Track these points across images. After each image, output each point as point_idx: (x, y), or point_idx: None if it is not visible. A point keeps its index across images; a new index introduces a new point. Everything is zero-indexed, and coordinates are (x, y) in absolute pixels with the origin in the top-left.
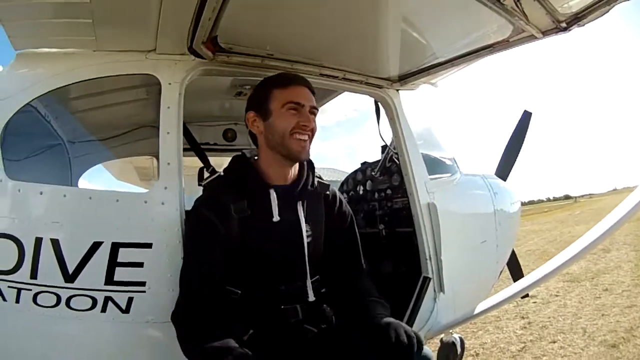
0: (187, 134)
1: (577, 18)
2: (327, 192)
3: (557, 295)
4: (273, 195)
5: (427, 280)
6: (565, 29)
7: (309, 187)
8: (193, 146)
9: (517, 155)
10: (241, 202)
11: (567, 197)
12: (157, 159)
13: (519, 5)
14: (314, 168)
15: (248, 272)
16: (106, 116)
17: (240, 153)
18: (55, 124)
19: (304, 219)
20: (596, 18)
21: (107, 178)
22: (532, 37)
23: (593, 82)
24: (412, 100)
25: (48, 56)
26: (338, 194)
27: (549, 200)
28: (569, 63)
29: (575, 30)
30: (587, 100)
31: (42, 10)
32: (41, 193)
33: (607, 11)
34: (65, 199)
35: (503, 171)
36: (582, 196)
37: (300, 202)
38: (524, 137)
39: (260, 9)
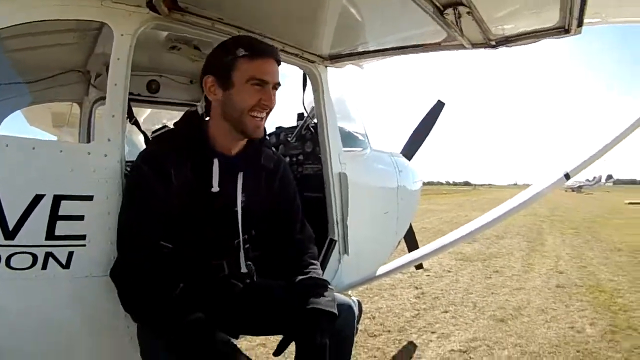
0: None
1: (507, 41)
2: (271, 164)
3: (449, 271)
4: (216, 165)
5: (333, 242)
6: (493, 47)
7: (253, 158)
8: None
9: (424, 140)
10: (184, 166)
11: (467, 184)
12: (79, 105)
13: (458, 21)
14: (264, 138)
15: (181, 232)
16: (34, 58)
17: (194, 109)
18: None
19: (240, 189)
20: (524, 45)
21: (23, 124)
22: (461, 46)
23: (511, 80)
24: (337, 76)
25: None
26: (283, 165)
27: (448, 184)
28: (491, 62)
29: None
30: (503, 97)
31: None
32: None
33: (535, 42)
34: (7, 149)
35: (409, 151)
36: (482, 185)
37: (241, 173)
38: (433, 124)
39: None
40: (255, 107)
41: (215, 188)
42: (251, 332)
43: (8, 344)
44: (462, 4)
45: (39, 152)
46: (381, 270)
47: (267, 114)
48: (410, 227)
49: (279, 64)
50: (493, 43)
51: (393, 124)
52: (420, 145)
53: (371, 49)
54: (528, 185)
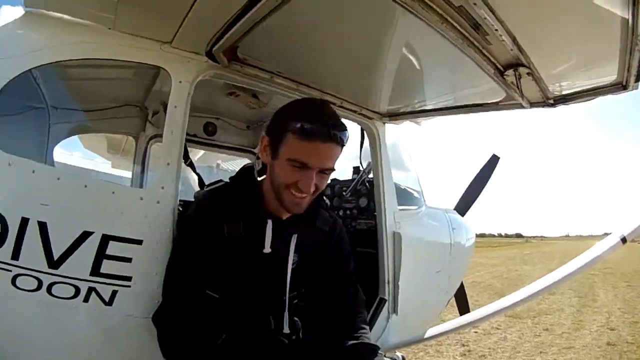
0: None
1: (565, 99)
2: (327, 227)
3: (498, 328)
4: (269, 226)
5: (383, 301)
6: (552, 105)
7: (308, 221)
8: None
9: (479, 195)
10: (237, 223)
11: (518, 236)
12: (135, 139)
13: (519, 82)
14: (321, 198)
15: (228, 284)
16: (94, 89)
17: (250, 165)
18: (43, 86)
19: (292, 251)
20: (581, 102)
21: (79, 147)
22: (520, 106)
23: (564, 131)
24: (394, 132)
25: (59, 22)
26: (339, 227)
27: (500, 236)
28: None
29: None
30: (555, 148)
31: None
32: (33, 172)
33: (593, 98)
34: (59, 182)
35: (463, 207)
36: (534, 237)
37: (295, 235)
38: (488, 179)
39: (281, 31)
40: (293, 187)
41: (267, 250)
42: None
43: None
44: (522, 65)
45: (91, 190)
46: (430, 332)
47: (314, 193)
48: (462, 284)
49: (340, 145)
50: (551, 102)
51: (445, 178)
52: (475, 200)
53: (429, 107)
54: (580, 237)
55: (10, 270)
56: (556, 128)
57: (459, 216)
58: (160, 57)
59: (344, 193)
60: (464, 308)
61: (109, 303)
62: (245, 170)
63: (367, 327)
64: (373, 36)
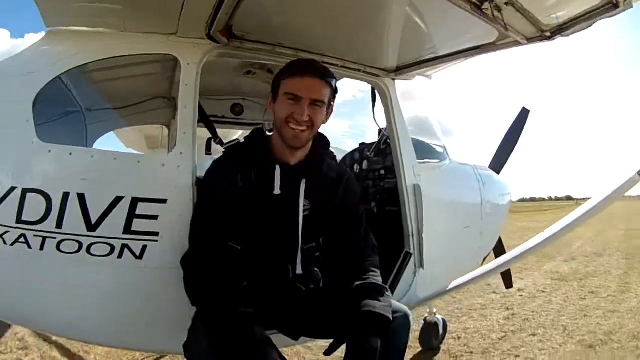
0: (198, 107)
1: (561, 29)
2: (334, 174)
3: (543, 292)
4: (277, 171)
5: (408, 255)
6: (549, 38)
7: (315, 167)
8: (203, 119)
9: (512, 151)
10: (249, 173)
11: (569, 198)
12: (168, 128)
13: (500, 14)
14: (326, 148)
15: (247, 234)
16: (122, 87)
17: (260, 127)
18: (75, 92)
19: (303, 195)
20: (579, 31)
21: (117, 146)
22: (517, 43)
23: (611, 83)
24: (410, 89)
25: (77, 34)
26: (347, 176)
27: (550, 199)
28: (579, 63)
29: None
30: (613, 106)
31: None
32: (70, 154)
33: (590, 25)
34: (93, 159)
35: (497, 164)
36: (585, 199)
37: (304, 180)
38: (520, 133)
39: (273, 5)
40: (289, 119)
41: (277, 191)
42: (311, 335)
43: (81, 320)
44: None
45: (119, 161)
46: (455, 282)
47: (309, 127)
48: (501, 242)
49: (326, 81)
50: (548, 34)
51: (482, 137)
52: (509, 156)
53: (430, 56)
54: (630, 198)
55: (55, 238)
56: (608, 83)
57: (491, 172)
58: (169, 46)
59: (369, 154)
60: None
61: (140, 257)
62: (256, 130)
63: (377, 271)
64: None
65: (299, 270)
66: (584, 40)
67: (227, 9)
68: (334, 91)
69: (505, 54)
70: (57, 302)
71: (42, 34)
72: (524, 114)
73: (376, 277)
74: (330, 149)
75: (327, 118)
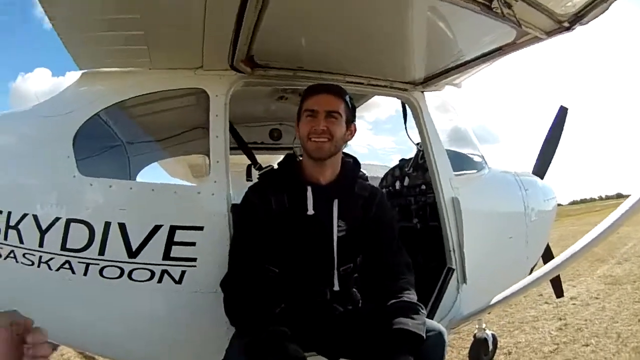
0: (235, 135)
1: (578, 17)
2: (366, 193)
3: (597, 298)
4: (309, 192)
5: (450, 271)
6: (568, 29)
7: (347, 187)
8: (241, 146)
9: (554, 152)
10: (282, 195)
11: (619, 196)
12: (208, 157)
13: (511, 11)
14: (357, 169)
15: (284, 256)
16: (160, 120)
17: (292, 152)
18: (115, 127)
19: (336, 215)
20: (597, 16)
21: (161, 175)
22: (537, 39)
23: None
24: (438, 99)
25: (109, 74)
26: (380, 195)
27: (601, 198)
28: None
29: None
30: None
31: (103, 40)
32: (110, 186)
33: (606, 8)
34: (132, 191)
35: (540, 168)
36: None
37: (336, 200)
38: (561, 133)
39: (287, 32)
40: (311, 134)
41: (310, 211)
42: (349, 356)
43: (123, 341)
44: None
45: (157, 192)
46: (500, 295)
47: (329, 139)
48: (549, 249)
49: (338, 96)
50: (566, 25)
51: (516, 141)
52: (551, 159)
53: (456, 64)
54: None
55: (98, 264)
56: None
57: (533, 177)
58: (197, 80)
59: (408, 170)
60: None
61: (179, 282)
62: (288, 155)
63: (412, 289)
64: (379, 7)
65: (336, 288)
66: (618, 24)
67: (244, 39)
68: (351, 108)
69: (540, 51)
70: (100, 324)
71: (79, 72)
72: (562, 113)
73: (410, 295)
74: (377, 167)
75: (350, 136)
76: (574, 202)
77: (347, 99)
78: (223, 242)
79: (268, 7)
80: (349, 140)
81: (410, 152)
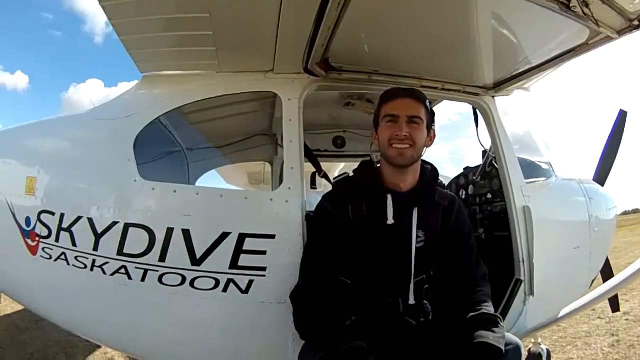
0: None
1: None
2: (445, 202)
3: None
4: (389, 199)
5: (518, 282)
6: (638, 27)
7: (426, 195)
8: (306, 153)
9: (615, 158)
10: (359, 203)
11: None
12: (270, 164)
13: (588, 9)
14: (436, 176)
15: (358, 267)
16: (221, 126)
17: (368, 158)
18: (175, 133)
19: (416, 225)
20: None
21: (218, 182)
22: (608, 38)
23: None
24: (509, 105)
25: (172, 77)
26: (458, 203)
27: None
28: None
29: None
30: None
31: (167, 41)
32: (175, 191)
33: None
34: (198, 196)
35: (601, 175)
36: None
37: (416, 208)
38: (621, 138)
39: (365, 34)
40: (392, 140)
41: (390, 220)
42: None
43: (179, 346)
44: None
45: (225, 198)
46: (565, 310)
47: (411, 144)
48: (607, 262)
49: (418, 100)
50: (636, 22)
51: (576, 145)
52: (612, 165)
53: (527, 67)
54: None
55: (157, 270)
56: None
57: (595, 185)
58: (267, 83)
59: (474, 177)
60: None
61: (245, 291)
62: (365, 161)
63: (489, 301)
64: (455, 9)
65: (411, 301)
66: None
67: (322, 40)
68: (430, 112)
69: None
70: (155, 330)
71: (134, 82)
72: (622, 117)
73: (488, 307)
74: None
75: (430, 141)
76: (625, 212)
77: (427, 103)
78: (295, 251)
79: (349, 6)
80: (429, 146)
81: (462, 162)
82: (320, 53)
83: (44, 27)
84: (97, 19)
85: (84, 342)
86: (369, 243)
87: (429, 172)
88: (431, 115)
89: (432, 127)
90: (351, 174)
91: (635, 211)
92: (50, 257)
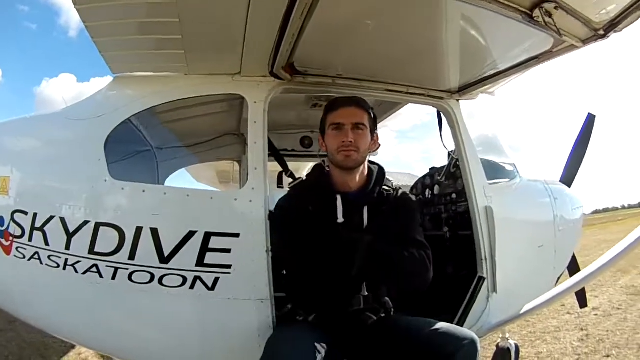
0: (268, 142)
1: (613, 25)
2: (394, 200)
3: (619, 309)
4: (339, 201)
5: (481, 280)
6: (603, 36)
7: (375, 194)
8: (273, 153)
9: (582, 161)
10: (312, 204)
11: None
12: (238, 163)
13: (551, 20)
14: (382, 176)
15: (315, 264)
16: (190, 126)
17: (320, 162)
18: (146, 133)
19: (366, 222)
20: (631, 23)
21: (189, 181)
22: (573, 47)
23: None
24: (474, 109)
25: (143, 79)
26: (405, 196)
27: (624, 207)
28: None
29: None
30: None
31: (138, 44)
32: (144, 191)
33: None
34: (166, 196)
35: (568, 177)
36: None
37: (365, 206)
38: (589, 141)
39: (330, 40)
40: (340, 147)
41: (341, 219)
42: None
43: (149, 343)
44: (546, 1)
45: (192, 198)
46: (529, 306)
47: (356, 150)
48: (575, 260)
49: (363, 108)
50: (602, 32)
51: (543, 149)
52: (579, 167)
53: (492, 72)
54: None
55: (127, 269)
56: None
57: (562, 186)
58: (234, 86)
59: (440, 178)
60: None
61: (212, 288)
62: (316, 165)
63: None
64: (421, 18)
65: (364, 293)
66: None
67: (287, 46)
68: (373, 119)
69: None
70: (126, 328)
71: (107, 78)
72: (590, 121)
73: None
74: (403, 174)
75: (374, 145)
76: (596, 212)
77: (370, 110)
78: (259, 249)
79: (314, 14)
80: (374, 150)
81: (434, 162)
82: (285, 58)
83: (20, 19)
84: (73, 13)
85: (59, 343)
86: (322, 241)
87: (377, 172)
88: (374, 121)
89: (376, 132)
90: (305, 177)
91: (606, 210)
92: (24, 257)
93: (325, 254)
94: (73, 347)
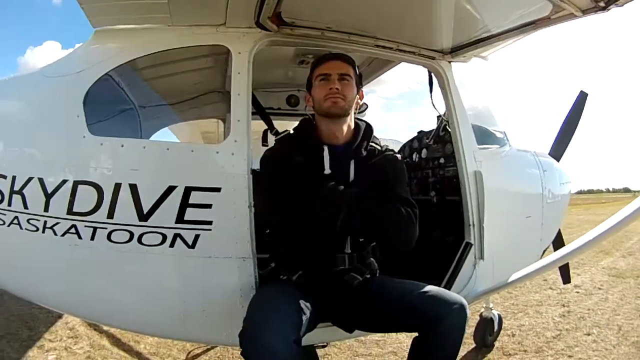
0: (253, 99)
1: None
2: (382, 157)
3: (600, 289)
4: (326, 152)
5: (468, 245)
6: (604, 8)
7: (362, 149)
8: (259, 110)
9: (572, 137)
10: (300, 156)
11: (626, 190)
12: (223, 121)
13: None
14: (370, 132)
15: (301, 217)
16: (174, 83)
17: (308, 117)
18: (128, 90)
19: (353, 176)
20: None
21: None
22: (572, 15)
23: None
24: (466, 73)
25: (124, 32)
26: (393, 156)
27: (608, 191)
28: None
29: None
30: None
31: None
32: (122, 145)
33: None
34: (145, 150)
35: (557, 151)
36: None
37: (353, 160)
38: (579, 118)
39: None
40: (327, 95)
41: (327, 170)
42: (365, 328)
43: (132, 308)
44: None
45: (172, 151)
46: (515, 276)
47: (343, 98)
48: (560, 235)
49: (348, 62)
50: (602, 4)
51: (533, 121)
52: (568, 143)
53: (486, 35)
54: None
55: (106, 228)
56: None
57: (551, 159)
58: (219, 37)
59: (428, 141)
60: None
61: (192, 246)
62: (303, 119)
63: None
64: None
65: (347, 250)
66: None
67: None
68: (359, 76)
69: (562, 32)
70: (107, 291)
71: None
72: (582, 99)
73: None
74: (389, 140)
75: (360, 99)
76: (581, 192)
77: (355, 66)
78: (241, 204)
79: None
80: (360, 107)
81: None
82: (272, 7)
83: None
84: None
85: (46, 314)
86: (308, 193)
87: (365, 127)
88: (359, 77)
89: (361, 88)
90: (292, 131)
91: (590, 192)
92: (4, 223)
93: (311, 203)
94: (60, 316)
